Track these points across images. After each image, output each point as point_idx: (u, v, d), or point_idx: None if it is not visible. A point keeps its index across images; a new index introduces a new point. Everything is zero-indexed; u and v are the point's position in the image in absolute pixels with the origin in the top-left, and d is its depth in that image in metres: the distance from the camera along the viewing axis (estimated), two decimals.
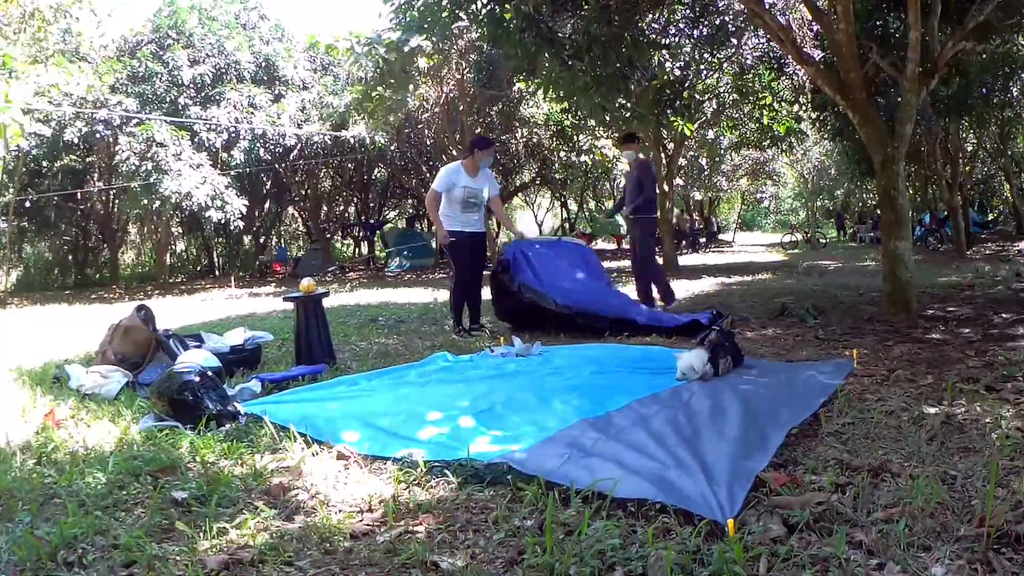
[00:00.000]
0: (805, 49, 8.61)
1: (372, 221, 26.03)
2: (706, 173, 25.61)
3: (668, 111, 11.98)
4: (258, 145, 17.32)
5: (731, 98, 15.12)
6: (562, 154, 20.54)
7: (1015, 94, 14.09)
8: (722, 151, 21.93)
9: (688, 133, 14.52)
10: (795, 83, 13.79)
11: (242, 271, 25.31)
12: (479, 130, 17.86)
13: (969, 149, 17.80)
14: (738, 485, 2.19)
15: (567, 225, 32.04)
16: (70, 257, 26.21)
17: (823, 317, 6.12)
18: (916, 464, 2.39)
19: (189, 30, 17.77)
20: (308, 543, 2.05)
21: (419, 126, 17.98)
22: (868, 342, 4.81)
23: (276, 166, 18.90)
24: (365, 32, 13.37)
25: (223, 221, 17.02)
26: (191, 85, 17.05)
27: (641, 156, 7.56)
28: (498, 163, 20.92)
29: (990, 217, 25.54)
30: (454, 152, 17.39)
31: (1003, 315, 5.80)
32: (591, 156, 20.29)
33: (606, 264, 12.76)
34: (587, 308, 5.85)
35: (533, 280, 5.99)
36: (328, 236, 25.28)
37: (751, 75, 13.93)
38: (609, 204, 30.32)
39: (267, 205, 25.64)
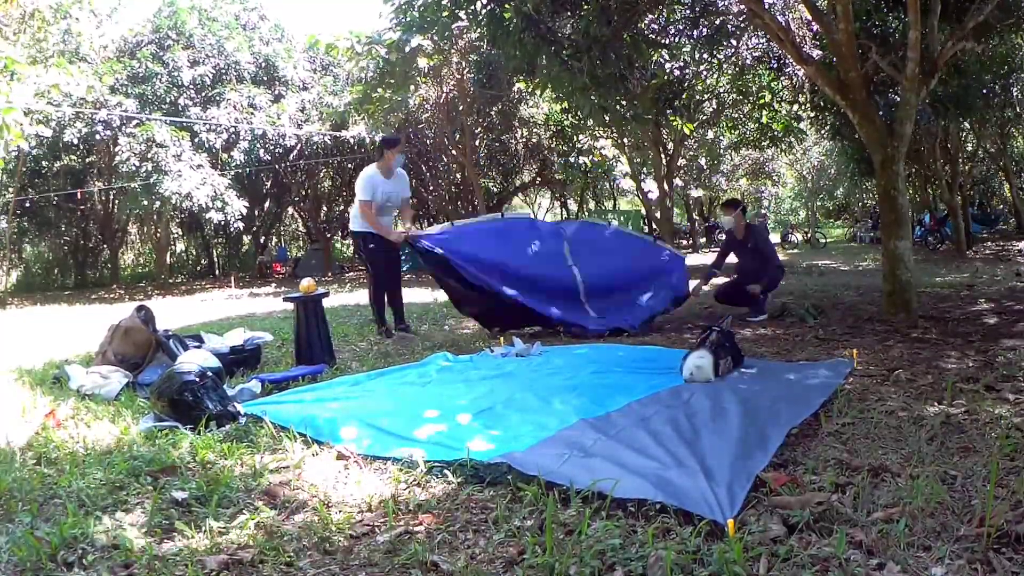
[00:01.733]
0: (805, 49, 8.62)
1: None
2: (706, 173, 25.63)
3: (668, 111, 11.98)
4: (258, 145, 17.33)
5: (731, 98, 15.12)
6: (563, 152, 20.53)
7: (1015, 94, 14.08)
8: (721, 151, 21.94)
9: (688, 132, 14.51)
10: (794, 83, 13.79)
11: (242, 271, 25.33)
12: (479, 130, 17.86)
13: (969, 149, 17.79)
14: (738, 485, 2.19)
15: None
16: (70, 257, 26.23)
17: (823, 317, 6.12)
18: (916, 464, 2.39)
19: (189, 31, 17.79)
20: (308, 543, 2.05)
21: (419, 126, 17.98)
22: (868, 342, 4.81)
23: (276, 166, 18.91)
24: (365, 32, 13.40)
25: (223, 222, 17.02)
26: (191, 86, 17.06)
27: (744, 220, 6.64)
28: (498, 163, 20.92)
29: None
30: (453, 152, 17.41)
31: (1002, 315, 5.80)
32: (591, 156, 20.27)
33: None
34: (507, 292, 5.59)
35: (453, 251, 5.69)
36: (328, 236, 25.26)
37: (751, 75, 13.92)
38: (609, 204, 30.28)
39: (267, 205, 25.64)
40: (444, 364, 4.56)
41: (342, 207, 27.90)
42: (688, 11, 10.79)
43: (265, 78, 18.49)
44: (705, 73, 13.37)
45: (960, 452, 2.52)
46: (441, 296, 10.19)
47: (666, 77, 11.31)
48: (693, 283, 6.58)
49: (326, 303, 5.30)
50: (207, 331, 5.54)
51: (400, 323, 6.16)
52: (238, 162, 17.26)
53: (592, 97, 7.51)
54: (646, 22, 9.57)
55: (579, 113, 13.09)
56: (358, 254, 6.23)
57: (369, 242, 5.89)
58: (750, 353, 4.49)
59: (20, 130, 7.85)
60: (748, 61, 13.38)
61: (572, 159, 20.39)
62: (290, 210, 28.64)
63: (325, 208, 25.95)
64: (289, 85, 18.64)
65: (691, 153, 21.36)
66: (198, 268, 28.75)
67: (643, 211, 22.85)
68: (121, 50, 18.25)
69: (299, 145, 18.36)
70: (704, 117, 15.52)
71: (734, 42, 12.26)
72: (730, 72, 13.82)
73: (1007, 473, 2.28)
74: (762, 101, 14.78)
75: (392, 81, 13.20)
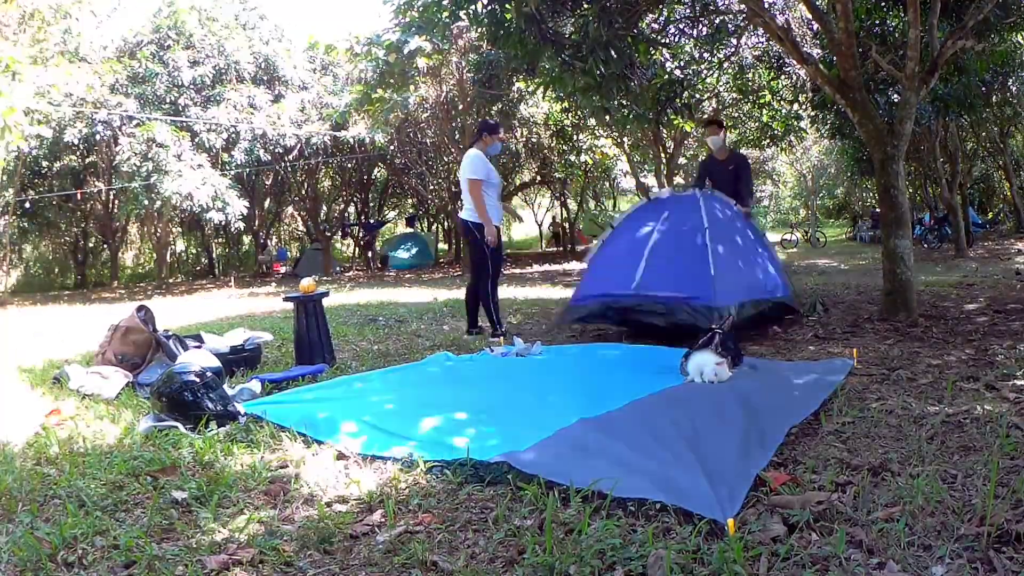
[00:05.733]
0: (804, 48, 8.62)
1: (372, 221, 26.00)
2: None
3: (668, 110, 11.97)
4: (258, 145, 17.32)
5: (731, 97, 15.11)
6: (563, 152, 20.52)
7: (1014, 92, 14.07)
8: None
9: (689, 130, 14.48)
10: (794, 82, 13.78)
11: (242, 271, 25.33)
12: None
13: (969, 147, 17.77)
14: (738, 484, 2.19)
15: (566, 225, 32.02)
16: (70, 257, 26.24)
17: (824, 316, 6.12)
18: (916, 463, 2.39)
19: (189, 31, 17.77)
20: (308, 543, 2.05)
21: (419, 126, 17.97)
22: (868, 341, 4.81)
23: (276, 166, 18.90)
24: (364, 33, 13.40)
25: (223, 222, 17.02)
26: (191, 86, 17.04)
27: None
28: (498, 162, 20.92)
29: (989, 216, 25.48)
30: (453, 151, 17.39)
31: (1002, 314, 5.80)
32: (591, 156, 20.27)
33: None
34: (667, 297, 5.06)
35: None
36: (328, 236, 25.25)
37: (751, 74, 13.92)
38: (609, 204, 30.32)
39: (267, 205, 25.65)
40: (444, 364, 4.56)
41: (342, 207, 27.93)
42: (688, 11, 10.78)
43: (265, 78, 18.48)
44: (705, 72, 13.36)
45: (960, 451, 2.52)
46: (441, 295, 10.19)
47: (667, 76, 11.29)
48: None
49: (326, 303, 5.29)
50: (207, 331, 5.53)
51: (474, 325, 5.89)
52: (238, 162, 17.25)
53: (594, 97, 7.50)
54: (647, 22, 9.55)
55: (580, 113, 13.10)
56: (471, 244, 5.73)
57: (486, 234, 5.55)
58: (750, 353, 4.49)
59: (20, 131, 7.84)
60: (748, 60, 13.38)
61: (572, 158, 20.38)
62: (290, 210, 28.63)
63: (325, 208, 25.94)
64: (289, 85, 18.63)
65: (691, 152, 21.34)
66: (198, 268, 28.74)
67: None
68: (121, 50, 18.23)
69: (299, 145, 18.34)
70: (704, 116, 15.51)
71: (734, 41, 12.25)
72: (730, 71, 13.81)
73: (1007, 472, 2.28)
74: (762, 100, 14.77)
75: (392, 82, 13.20)
